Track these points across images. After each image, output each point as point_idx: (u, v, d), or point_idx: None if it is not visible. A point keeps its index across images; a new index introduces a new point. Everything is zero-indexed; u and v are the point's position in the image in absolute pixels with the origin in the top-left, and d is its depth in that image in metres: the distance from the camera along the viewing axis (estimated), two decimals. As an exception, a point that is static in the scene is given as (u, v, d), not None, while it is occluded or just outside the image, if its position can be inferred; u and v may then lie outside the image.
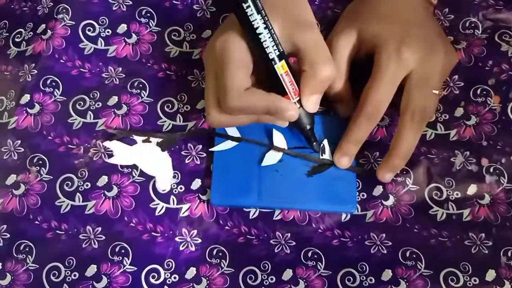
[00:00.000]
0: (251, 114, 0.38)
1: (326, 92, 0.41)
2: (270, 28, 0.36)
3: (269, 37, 0.36)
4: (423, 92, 0.40)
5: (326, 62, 0.38)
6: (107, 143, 0.45)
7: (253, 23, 0.35)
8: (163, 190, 0.44)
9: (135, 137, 0.45)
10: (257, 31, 0.35)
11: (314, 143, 0.43)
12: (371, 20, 0.42)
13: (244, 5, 0.35)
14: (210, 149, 0.44)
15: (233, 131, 0.44)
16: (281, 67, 0.37)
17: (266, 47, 0.36)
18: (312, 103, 0.39)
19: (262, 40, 0.36)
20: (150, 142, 0.45)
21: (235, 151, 0.44)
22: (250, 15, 0.35)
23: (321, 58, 0.38)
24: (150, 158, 0.45)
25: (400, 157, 0.41)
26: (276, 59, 0.37)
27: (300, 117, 0.40)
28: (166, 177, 0.44)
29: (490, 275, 0.41)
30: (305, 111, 0.40)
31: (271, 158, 0.43)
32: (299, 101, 0.39)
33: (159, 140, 0.45)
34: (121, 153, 0.45)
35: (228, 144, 0.44)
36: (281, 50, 0.37)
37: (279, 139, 0.44)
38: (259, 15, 0.35)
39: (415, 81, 0.40)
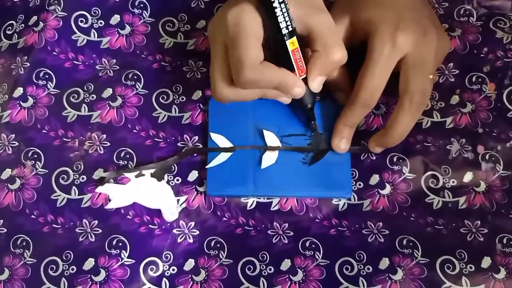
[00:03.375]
0: (260, 88, 0.38)
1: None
2: (286, 3, 0.36)
3: (285, 12, 0.36)
4: (420, 75, 0.40)
5: (339, 46, 0.38)
6: (100, 189, 0.43)
7: None
8: (172, 220, 0.43)
9: (127, 175, 0.44)
10: (274, 5, 0.35)
11: (312, 122, 0.43)
12: (364, 6, 0.42)
13: None
14: (206, 167, 0.43)
15: (224, 143, 0.44)
16: (292, 44, 0.37)
17: (280, 22, 0.36)
18: (318, 83, 0.40)
19: (277, 15, 0.35)
20: (143, 175, 0.44)
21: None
22: None
23: (334, 41, 0.38)
24: (149, 192, 0.43)
25: (394, 138, 0.41)
26: (288, 35, 0.37)
27: (303, 95, 0.40)
28: (171, 206, 0.43)
29: (486, 262, 0.41)
30: (308, 90, 0.40)
31: (269, 158, 0.43)
32: (304, 79, 0.39)
33: (152, 171, 0.44)
34: (118, 195, 0.43)
35: (222, 157, 0.43)
36: (294, 26, 0.37)
37: (271, 138, 0.44)
38: None
39: (411, 64, 0.40)
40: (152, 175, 0.44)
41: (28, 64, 0.47)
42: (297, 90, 0.38)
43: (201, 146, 0.45)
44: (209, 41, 0.40)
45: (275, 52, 0.38)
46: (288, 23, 0.36)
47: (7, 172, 0.44)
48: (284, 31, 0.36)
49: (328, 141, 0.44)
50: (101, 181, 0.43)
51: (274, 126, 0.44)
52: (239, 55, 0.35)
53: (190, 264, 0.42)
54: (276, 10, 0.35)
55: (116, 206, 0.43)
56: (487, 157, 0.44)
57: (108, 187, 0.43)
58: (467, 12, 0.49)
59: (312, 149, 0.44)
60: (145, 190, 0.43)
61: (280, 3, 0.35)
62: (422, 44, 0.40)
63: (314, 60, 0.38)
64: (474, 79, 0.46)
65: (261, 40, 0.36)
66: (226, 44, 0.37)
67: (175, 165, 0.44)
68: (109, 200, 0.43)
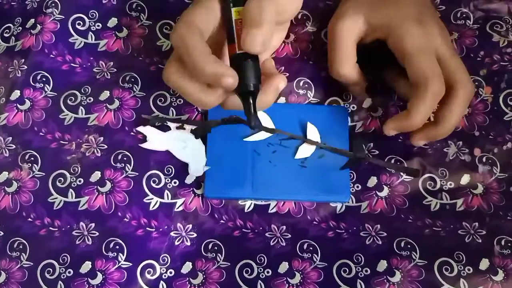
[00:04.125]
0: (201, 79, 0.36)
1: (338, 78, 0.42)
2: None
3: None
4: (461, 66, 0.41)
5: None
6: (141, 128, 0.44)
7: None
8: (196, 176, 0.44)
9: (169, 124, 0.45)
10: None
11: (253, 114, 0.37)
12: (380, 5, 0.42)
13: None
14: (244, 139, 0.44)
15: (268, 123, 0.44)
16: (237, 12, 0.36)
17: None
18: (253, 38, 0.35)
19: None
20: (184, 129, 0.45)
21: (227, 144, 0.44)
22: None
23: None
24: (183, 145, 0.44)
25: (446, 129, 0.41)
26: (236, 2, 0.36)
27: (245, 69, 0.36)
28: (199, 163, 0.44)
29: (484, 264, 0.41)
30: (252, 65, 0.36)
31: (305, 151, 0.44)
32: (248, 55, 0.36)
33: (193, 127, 0.45)
34: (154, 139, 0.44)
35: (261, 135, 0.44)
36: None
37: (312, 133, 0.44)
38: None
39: (448, 56, 0.40)
40: (192, 131, 0.44)
41: (25, 67, 0.47)
42: (228, 80, 0.34)
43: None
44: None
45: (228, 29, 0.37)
46: None
47: (4, 175, 0.44)
48: None
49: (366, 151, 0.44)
50: (144, 122, 0.45)
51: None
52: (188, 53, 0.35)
53: (187, 267, 0.42)
54: None
55: (151, 148, 0.45)
56: (484, 159, 0.44)
57: (148, 129, 0.45)
58: (464, 15, 0.49)
59: (349, 154, 0.44)
60: (180, 143, 0.44)
61: None
62: (446, 39, 0.41)
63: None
64: (471, 82, 0.47)
65: (204, 34, 0.36)
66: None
67: (172, 167, 0.44)
68: (145, 141, 0.44)
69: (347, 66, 0.43)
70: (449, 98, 0.40)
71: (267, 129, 0.44)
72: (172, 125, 0.45)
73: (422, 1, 0.43)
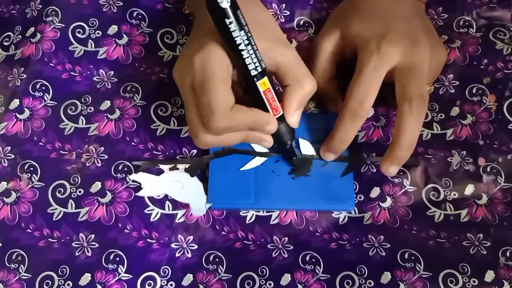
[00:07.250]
0: (237, 132, 0.37)
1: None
2: (253, 44, 0.35)
3: (252, 54, 0.35)
4: (415, 80, 0.39)
5: (310, 77, 0.38)
6: (134, 176, 0.43)
7: (235, 39, 0.33)
8: (199, 216, 0.43)
9: (161, 166, 0.44)
10: (240, 48, 0.34)
11: (294, 158, 0.43)
12: (354, 20, 0.42)
13: (227, 21, 0.33)
14: (240, 169, 0.43)
15: (259, 147, 0.44)
16: (263, 84, 0.36)
17: (248, 64, 0.35)
18: (297, 118, 0.40)
19: (244, 57, 0.34)
20: (177, 169, 0.44)
21: (230, 158, 0.44)
22: (233, 31, 0.33)
23: (304, 73, 0.38)
24: (180, 185, 0.43)
25: (402, 148, 0.39)
26: (259, 76, 0.36)
27: (282, 132, 0.40)
28: (200, 202, 0.43)
29: (489, 275, 0.40)
30: (286, 127, 0.40)
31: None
32: (279, 118, 0.39)
33: (187, 166, 0.44)
34: (150, 185, 0.43)
35: (257, 161, 0.43)
36: (263, 66, 0.36)
37: (306, 147, 0.44)
38: (242, 31, 0.33)
39: (403, 71, 0.39)
40: (186, 170, 0.44)
41: (25, 76, 0.47)
42: (271, 127, 0.38)
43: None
44: (177, 85, 0.38)
45: (248, 89, 0.37)
46: (257, 64, 0.35)
47: (3, 185, 0.44)
48: (253, 72, 0.35)
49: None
50: (136, 169, 0.44)
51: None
52: (208, 102, 0.34)
53: (188, 279, 0.41)
54: (243, 53, 0.34)
55: (147, 195, 0.43)
56: (488, 169, 0.44)
57: (141, 176, 0.43)
58: (467, 23, 0.49)
59: (347, 159, 0.43)
60: (177, 184, 0.43)
61: (246, 45, 0.34)
62: (412, 53, 0.40)
63: (290, 95, 0.38)
64: (474, 90, 0.46)
65: (230, 82, 0.35)
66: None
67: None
68: (140, 189, 0.43)
69: (320, 81, 0.42)
70: (397, 115, 0.39)
71: (260, 154, 0.44)
72: (165, 167, 0.44)
73: (400, 16, 0.42)
